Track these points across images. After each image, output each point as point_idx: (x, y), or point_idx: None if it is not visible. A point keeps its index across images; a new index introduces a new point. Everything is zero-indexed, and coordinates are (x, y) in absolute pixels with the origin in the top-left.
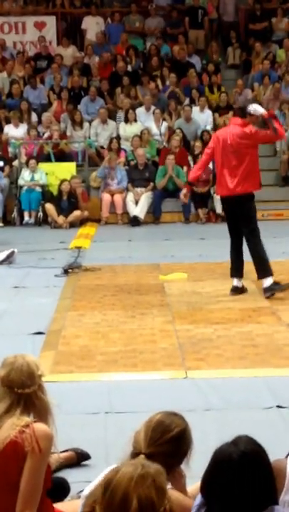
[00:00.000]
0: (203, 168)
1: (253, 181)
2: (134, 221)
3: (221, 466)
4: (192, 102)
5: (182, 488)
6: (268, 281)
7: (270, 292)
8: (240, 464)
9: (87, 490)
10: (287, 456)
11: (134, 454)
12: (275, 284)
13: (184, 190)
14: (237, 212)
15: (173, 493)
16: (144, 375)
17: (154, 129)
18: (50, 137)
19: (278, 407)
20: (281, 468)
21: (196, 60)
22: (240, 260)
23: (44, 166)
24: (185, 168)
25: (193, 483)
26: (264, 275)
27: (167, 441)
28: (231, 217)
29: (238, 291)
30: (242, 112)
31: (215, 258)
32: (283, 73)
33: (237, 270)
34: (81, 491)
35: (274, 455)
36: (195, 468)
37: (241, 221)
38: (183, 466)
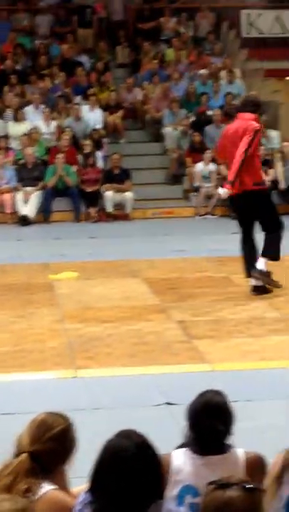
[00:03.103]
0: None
1: (246, 179)
2: (24, 220)
3: (113, 459)
4: (82, 100)
5: (65, 487)
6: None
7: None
8: (132, 457)
9: None
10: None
11: (18, 454)
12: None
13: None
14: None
15: (55, 494)
16: (33, 375)
17: (43, 128)
18: None
19: (167, 403)
20: (166, 463)
21: (84, 59)
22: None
23: None
24: (75, 167)
25: (81, 482)
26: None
27: (49, 439)
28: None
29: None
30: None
31: (105, 257)
32: (172, 72)
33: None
34: None
35: (163, 451)
36: (82, 468)
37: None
38: (67, 466)
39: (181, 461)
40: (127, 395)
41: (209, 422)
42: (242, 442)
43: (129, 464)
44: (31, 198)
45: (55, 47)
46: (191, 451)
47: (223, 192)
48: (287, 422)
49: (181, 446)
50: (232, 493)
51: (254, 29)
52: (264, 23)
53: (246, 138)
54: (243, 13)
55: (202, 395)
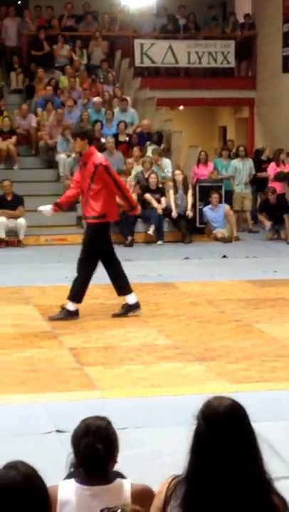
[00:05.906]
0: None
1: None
2: None
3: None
4: None
5: None
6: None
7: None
8: (19, 489)
9: None
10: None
11: None
12: (62, 309)
13: None
14: None
15: None
16: None
17: None
18: None
19: (57, 431)
20: (53, 495)
21: None
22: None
23: None
24: None
25: None
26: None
27: None
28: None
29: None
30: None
31: None
32: (66, 99)
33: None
34: None
35: (52, 481)
36: None
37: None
38: None
39: (67, 493)
40: (15, 422)
41: (89, 443)
42: (131, 469)
43: (16, 496)
44: None
45: None
46: (77, 482)
47: None
48: (177, 449)
49: (69, 476)
50: None
51: (147, 58)
52: (157, 52)
53: None
54: (137, 42)
55: (84, 420)
